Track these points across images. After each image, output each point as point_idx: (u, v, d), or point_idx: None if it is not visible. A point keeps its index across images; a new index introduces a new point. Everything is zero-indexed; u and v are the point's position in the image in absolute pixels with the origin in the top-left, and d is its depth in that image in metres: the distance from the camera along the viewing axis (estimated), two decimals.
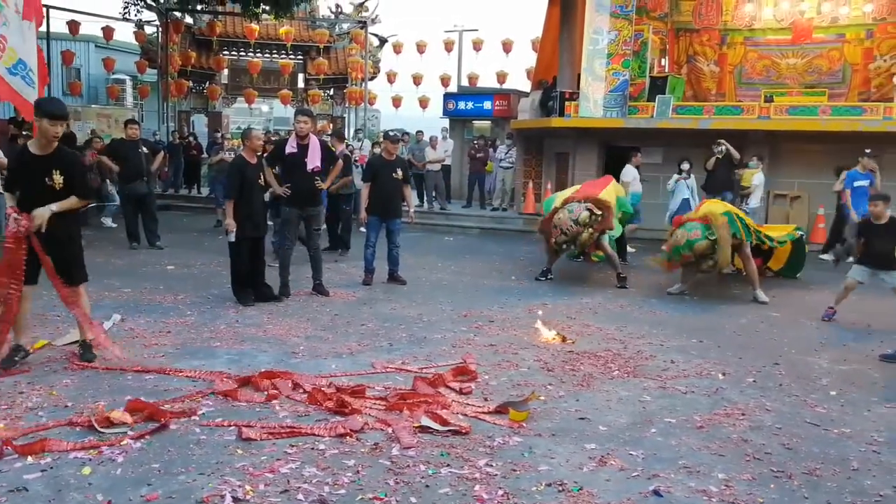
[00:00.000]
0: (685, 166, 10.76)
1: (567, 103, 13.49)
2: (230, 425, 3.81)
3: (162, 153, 11.33)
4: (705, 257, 7.69)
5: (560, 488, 3.21)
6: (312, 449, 3.56)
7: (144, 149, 10.32)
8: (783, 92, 13.37)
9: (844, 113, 11.91)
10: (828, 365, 5.42)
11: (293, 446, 3.58)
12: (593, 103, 13.17)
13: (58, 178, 4.59)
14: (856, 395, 4.72)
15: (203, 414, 3.97)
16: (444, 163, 15.58)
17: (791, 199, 12.51)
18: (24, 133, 11.77)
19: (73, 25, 18.79)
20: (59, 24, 18.79)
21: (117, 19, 18.89)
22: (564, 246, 8.46)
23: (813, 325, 6.80)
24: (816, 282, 8.87)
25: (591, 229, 8.13)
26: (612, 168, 11.76)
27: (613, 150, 13.27)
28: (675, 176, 10.86)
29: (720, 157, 10.75)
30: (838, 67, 14.02)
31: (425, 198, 15.52)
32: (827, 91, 13.25)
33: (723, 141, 10.85)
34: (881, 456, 3.70)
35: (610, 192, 9.12)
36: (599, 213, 8.17)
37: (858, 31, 13.81)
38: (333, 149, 8.52)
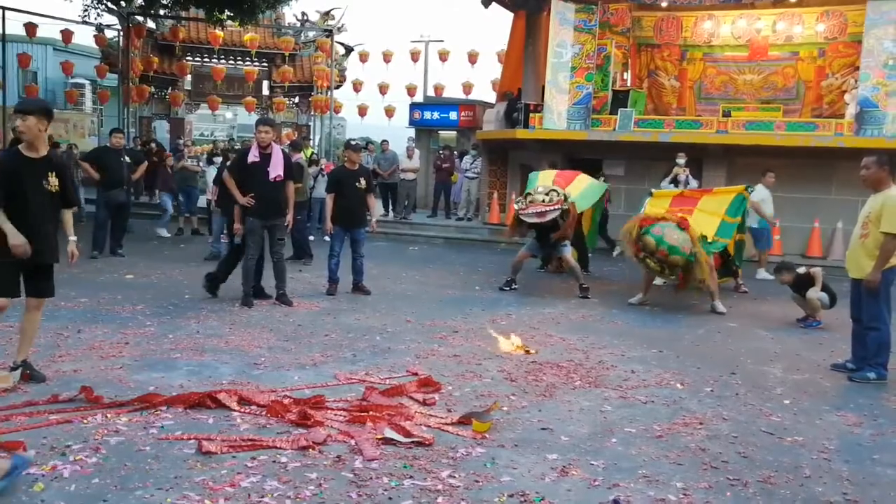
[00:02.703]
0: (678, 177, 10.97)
1: (531, 115, 13.64)
2: (189, 438, 3.77)
3: (145, 163, 11.73)
4: (672, 269, 7.83)
5: (522, 499, 3.24)
6: (274, 462, 3.54)
7: (127, 158, 10.54)
8: (740, 107, 13.71)
9: (798, 129, 12.24)
10: (782, 374, 5.56)
11: (254, 459, 3.55)
12: (557, 115, 13.33)
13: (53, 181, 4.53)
14: (808, 403, 4.85)
15: (162, 427, 3.92)
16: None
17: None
18: None
19: (31, 28, 18.39)
20: (15, 25, 18.45)
21: (77, 22, 18.54)
22: (522, 209, 8.52)
23: (768, 335, 6.96)
24: (772, 293, 9.08)
25: (557, 204, 8.32)
26: None
27: (577, 161, 13.43)
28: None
29: (681, 169, 10.95)
30: (792, 84, 14.41)
31: (390, 207, 15.53)
32: (782, 107, 13.63)
33: (682, 154, 11.07)
34: (832, 464, 3.81)
35: (578, 184, 9.52)
36: (565, 197, 8.45)
37: (811, 50, 14.21)
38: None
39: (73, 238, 4.78)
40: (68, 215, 4.75)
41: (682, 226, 7.73)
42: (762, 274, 10.18)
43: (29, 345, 4.68)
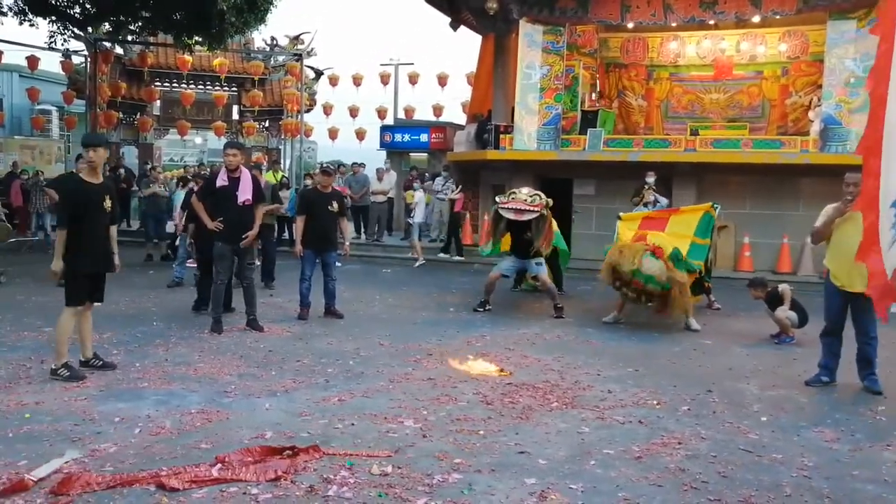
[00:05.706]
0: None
1: (502, 136, 13.68)
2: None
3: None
4: (650, 297, 7.86)
5: None
6: (244, 494, 3.42)
7: None
8: (707, 126, 13.87)
9: (765, 146, 12.44)
10: (758, 391, 5.55)
11: (223, 492, 3.43)
12: (527, 136, 13.39)
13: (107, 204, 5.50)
14: (785, 420, 4.84)
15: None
16: (388, 195, 15.63)
17: (718, 228, 12.90)
18: None
19: None
20: None
21: (43, 49, 18.25)
22: (503, 202, 8.56)
23: (743, 351, 6.97)
24: (743, 309, 9.12)
25: (538, 207, 8.37)
26: None
27: (547, 181, 13.49)
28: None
29: (649, 188, 10.99)
30: (758, 103, 14.64)
31: (362, 229, 15.44)
32: (748, 125, 13.82)
33: (651, 172, 11.14)
34: (812, 481, 3.77)
35: None
36: (547, 203, 8.52)
37: (775, 69, 14.46)
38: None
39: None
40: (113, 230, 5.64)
41: (657, 255, 7.74)
42: None
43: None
